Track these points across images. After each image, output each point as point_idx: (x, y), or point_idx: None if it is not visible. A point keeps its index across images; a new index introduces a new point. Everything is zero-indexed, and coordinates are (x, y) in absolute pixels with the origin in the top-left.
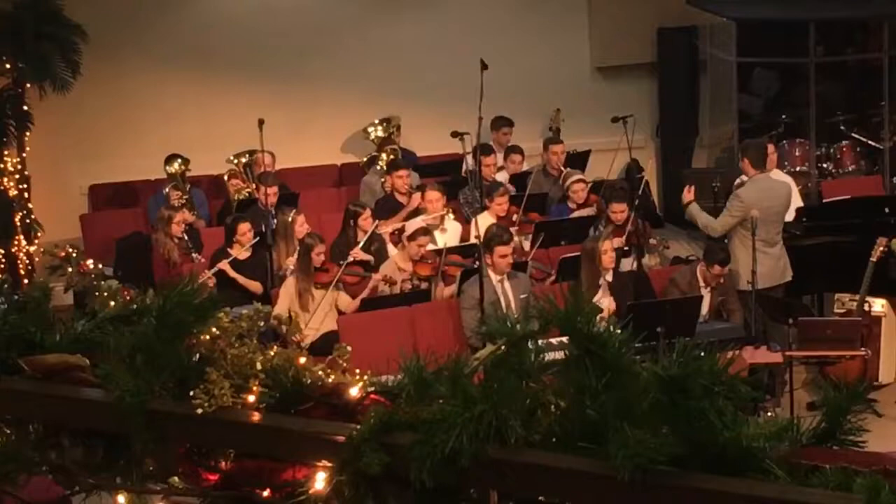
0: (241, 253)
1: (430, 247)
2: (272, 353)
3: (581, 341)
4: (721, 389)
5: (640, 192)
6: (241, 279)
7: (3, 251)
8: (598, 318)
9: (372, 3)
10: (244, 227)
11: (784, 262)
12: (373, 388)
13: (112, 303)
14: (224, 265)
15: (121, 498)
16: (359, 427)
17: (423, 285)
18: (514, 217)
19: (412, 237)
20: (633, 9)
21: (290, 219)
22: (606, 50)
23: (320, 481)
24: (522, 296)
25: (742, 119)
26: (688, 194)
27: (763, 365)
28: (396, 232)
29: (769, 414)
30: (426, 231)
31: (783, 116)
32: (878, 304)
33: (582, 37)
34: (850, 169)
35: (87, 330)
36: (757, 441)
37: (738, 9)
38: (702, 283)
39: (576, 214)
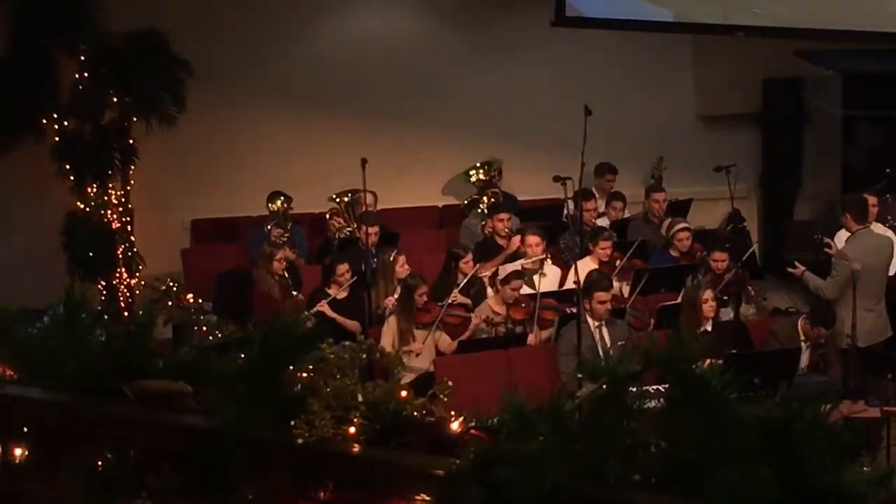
0: (339, 293)
1: (526, 290)
2: (373, 386)
3: (684, 383)
4: (823, 435)
5: (743, 242)
6: (339, 319)
7: (104, 283)
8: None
9: (478, 47)
10: (343, 268)
11: (885, 318)
12: (473, 424)
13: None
14: (323, 306)
15: None
16: (458, 462)
17: (519, 329)
18: (617, 263)
19: (505, 280)
20: (740, 59)
21: (391, 258)
22: (711, 99)
23: None
24: (620, 342)
25: (846, 172)
26: (797, 270)
27: (860, 419)
28: (492, 275)
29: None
30: (519, 275)
31: (887, 170)
32: None
33: (687, 85)
34: None
35: (190, 358)
36: (858, 487)
37: (844, 62)
38: (802, 337)
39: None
